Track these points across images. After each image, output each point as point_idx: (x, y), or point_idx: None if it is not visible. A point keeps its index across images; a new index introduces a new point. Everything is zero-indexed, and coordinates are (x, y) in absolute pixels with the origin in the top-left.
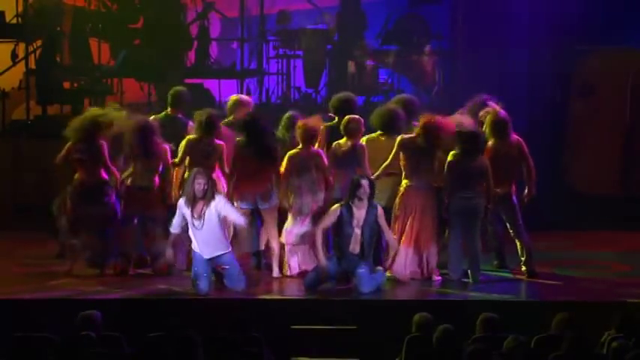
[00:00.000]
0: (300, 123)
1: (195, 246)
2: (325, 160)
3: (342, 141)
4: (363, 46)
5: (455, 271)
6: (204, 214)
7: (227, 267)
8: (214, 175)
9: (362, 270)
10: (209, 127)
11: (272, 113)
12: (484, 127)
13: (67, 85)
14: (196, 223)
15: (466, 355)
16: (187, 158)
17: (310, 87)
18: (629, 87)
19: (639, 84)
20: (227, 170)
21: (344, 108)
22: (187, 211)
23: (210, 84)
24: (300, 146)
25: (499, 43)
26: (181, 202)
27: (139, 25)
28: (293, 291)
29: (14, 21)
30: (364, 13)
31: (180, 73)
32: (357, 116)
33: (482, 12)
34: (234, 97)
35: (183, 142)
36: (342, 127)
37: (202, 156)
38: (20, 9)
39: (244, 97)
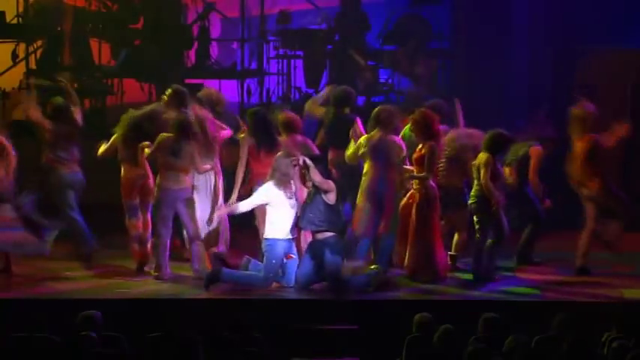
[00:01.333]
0: (280, 114)
1: (283, 230)
2: (315, 148)
3: (374, 132)
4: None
5: None
6: (294, 192)
7: (293, 256)
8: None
9: (330, 257)
10: (182, 130)
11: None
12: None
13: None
14: (290, 202)
15: (466, 355)
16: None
17: (310, 87)
18: (629, 87)
19: (639, 84)
20: (200, 169)
21: (342, 99)
22: (280, 194)
23: (211, 84)
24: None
25: (499, 43)
26: (270, 185)
27: (140, 25)
28: (292, 291)
29: (15, 21)
30: (365, 14)
31: (180, 74)
32: (389, 106)
33: (482, 12)
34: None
35: (157, 139)
36: (373, 118)
37: (172, 154)
38: (21, 9)
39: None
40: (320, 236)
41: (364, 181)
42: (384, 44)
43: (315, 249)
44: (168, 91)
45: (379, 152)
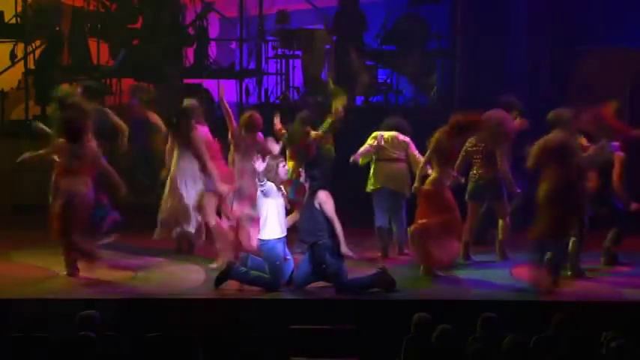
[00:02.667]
0: (245, 114)
1: (277, 230)
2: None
3: (553, 133)
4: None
5: None
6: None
7: (288, 258)
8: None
9: (331, 260)
10: (73, 133)
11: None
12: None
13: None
14: (283, 201)
15: (465, 355)
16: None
17: (309, 87)
18: (628, 87)
19: (638, 84)
20: (100, 167)
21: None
22: (278, 194)
23: (209, 84)
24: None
25: (498, 42)
26: (270, 187)
27: (138, 25)
28: (292, 291)
29: (13, 21)
30: (363, 14)
31: (179, 73)
32: (566, 109)
33: (481, 12)
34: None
35: (53, 144)
36: (554, 119)
37: (73, 158)
38: (19, 9)
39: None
40: (319, 241)
41: (543, 185)
42: (382, 44)
43: (315, 252)
44: (79, 89)
45: (565, 154)
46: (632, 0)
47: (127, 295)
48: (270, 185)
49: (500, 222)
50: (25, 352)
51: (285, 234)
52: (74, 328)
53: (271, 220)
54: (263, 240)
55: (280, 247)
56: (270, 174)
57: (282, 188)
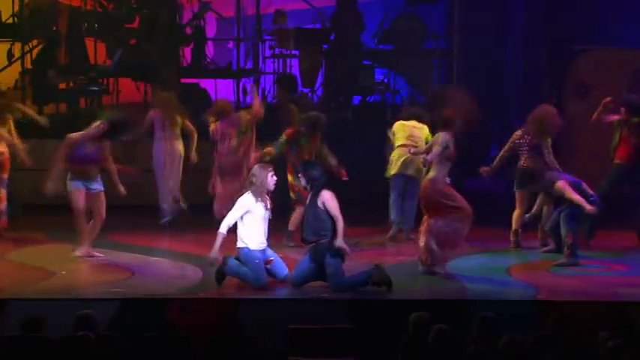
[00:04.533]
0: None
1: (256, 241)
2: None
3: None
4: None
5: None
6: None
7: (272, 259)
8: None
9: (331, 260)
10: None
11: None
12: None
13: (62, 84)
14: (266, 214)
15: (462, 355)
16: None
17: (306, 87)
18: (625, 87)
19: (636, 84)
20: None
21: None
22: (258, 205)
23: (207, 84)
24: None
25: (496, 42)
26: (248, 198)
27: (135, 24)
28: (290, 291)
29: (10, 20)
30: (361, 13)
31: (176, 73)
32: None
33: (478, 11)
34: None
35: None
36: None
37: None
38: (16, 9)
39: None
40: (321, 240)
41: None
42: (379, 43)
43: (316, 252)
44: None
45: None
46: (630, 0)
47: (125, 295)
48: (256, 196)
49: (516, 213)
50: (24, 352)
51: (265, 244)
52: (73, 328)
53: (252, 229)
54: (241, 247)
55: (257, 252)
56: (257, 184)
57: (268, 199)
